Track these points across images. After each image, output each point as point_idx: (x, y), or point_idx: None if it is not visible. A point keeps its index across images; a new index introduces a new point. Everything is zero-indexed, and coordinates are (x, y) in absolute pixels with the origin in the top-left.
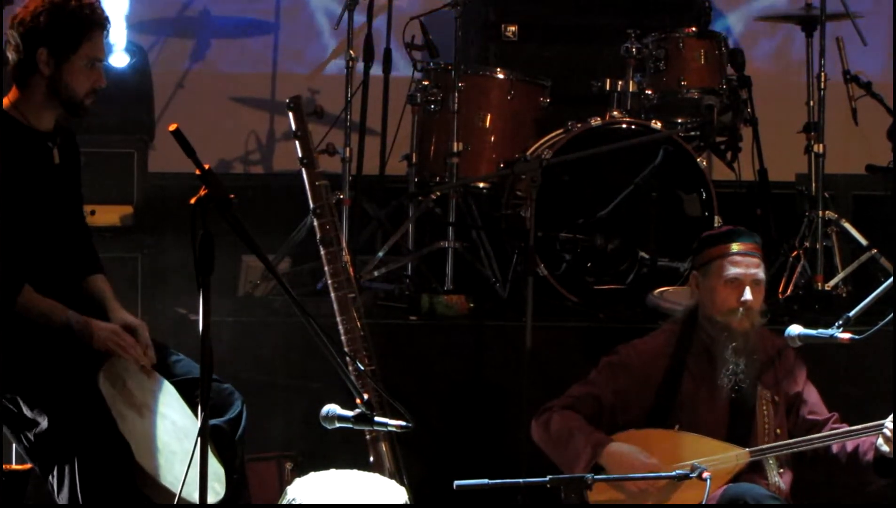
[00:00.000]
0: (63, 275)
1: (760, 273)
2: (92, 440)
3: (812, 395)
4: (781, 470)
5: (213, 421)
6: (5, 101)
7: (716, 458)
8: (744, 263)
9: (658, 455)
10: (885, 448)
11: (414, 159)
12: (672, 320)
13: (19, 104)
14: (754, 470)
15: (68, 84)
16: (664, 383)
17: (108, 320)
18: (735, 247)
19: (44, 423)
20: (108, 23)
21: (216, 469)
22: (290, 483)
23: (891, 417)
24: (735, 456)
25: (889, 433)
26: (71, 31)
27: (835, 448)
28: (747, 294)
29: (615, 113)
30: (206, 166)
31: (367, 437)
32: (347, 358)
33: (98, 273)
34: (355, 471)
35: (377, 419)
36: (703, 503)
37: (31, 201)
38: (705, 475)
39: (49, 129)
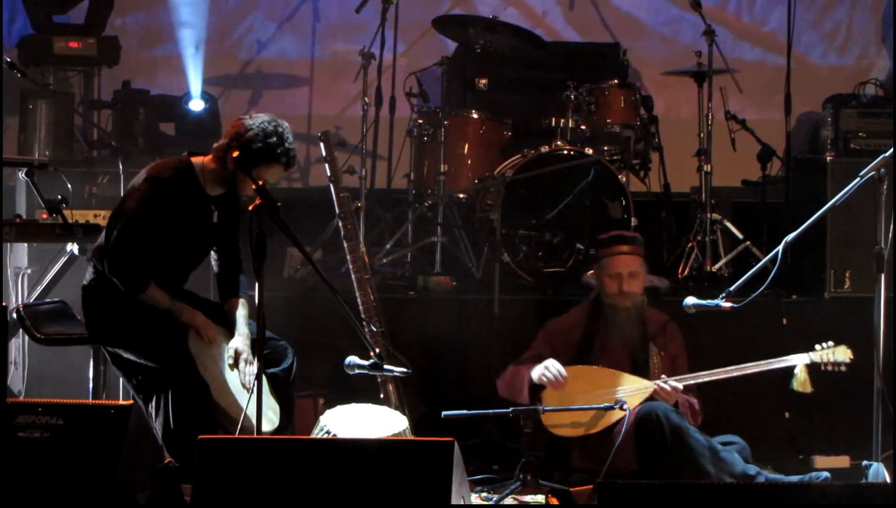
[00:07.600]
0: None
1: (636, 267)
2: (182, 382)
3: (683, 357)
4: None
5: (271, 370)
6: (201, 158)
7: (633, 387)
8: (622, 261)
9: (585, 382)
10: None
11: (412, 177)
12: (586, 299)
13: (205, 169)
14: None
15: (236, 183)
16: (581, 342)
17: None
18: (617, 249)
19: (152, 367)
20: (291, 165)
21: (273, 405)
22: (322, 413)
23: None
24: (645, 387)
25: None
26: (257, 156)
27: None
28: (625, 284)
29: (559, 143)
30: (260, 182)
31: (379, 380)
32: (364, 322)
33: (236, 297)
34: (369, 405)
35: (386, 366)
36: (625, 424)
37: (185, 239)
38: (625, 406)
39: (216, 194)
